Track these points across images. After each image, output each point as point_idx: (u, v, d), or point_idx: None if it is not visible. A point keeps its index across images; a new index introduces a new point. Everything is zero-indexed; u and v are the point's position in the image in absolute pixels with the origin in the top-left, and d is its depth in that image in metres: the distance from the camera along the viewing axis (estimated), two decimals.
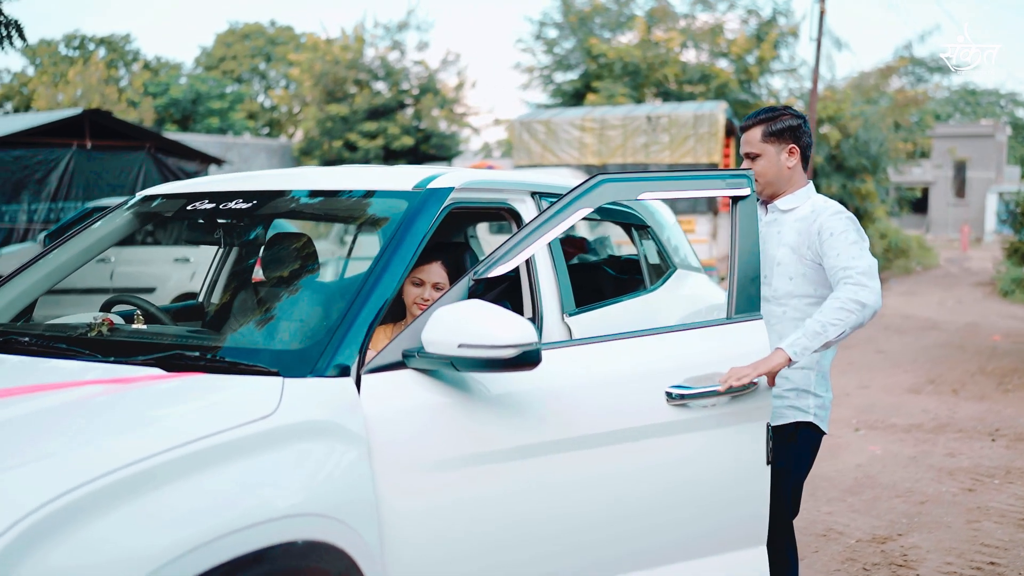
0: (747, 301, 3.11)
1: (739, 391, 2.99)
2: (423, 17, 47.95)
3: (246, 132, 39.27)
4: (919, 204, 47.30)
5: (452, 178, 3.14)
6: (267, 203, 3.23)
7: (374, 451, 2.47)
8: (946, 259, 30.02)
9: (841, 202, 15.88)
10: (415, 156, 29.41)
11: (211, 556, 1.99)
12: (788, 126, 3.36)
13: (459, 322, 2.42)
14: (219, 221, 3.32)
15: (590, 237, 6.90)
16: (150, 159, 17.65)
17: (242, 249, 4.06)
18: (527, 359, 2.40)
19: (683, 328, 3.15)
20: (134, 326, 2.94)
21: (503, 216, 3.56)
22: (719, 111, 12.56)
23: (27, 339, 2.74)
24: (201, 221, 3.40)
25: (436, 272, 3.44)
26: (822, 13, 15.83)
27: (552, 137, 13.21)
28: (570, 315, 3.49)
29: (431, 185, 3.08)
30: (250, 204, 3.19)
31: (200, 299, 4.11)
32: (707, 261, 12.30)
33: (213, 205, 3.23)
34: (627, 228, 4.44)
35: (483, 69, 70.65)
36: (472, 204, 3.28)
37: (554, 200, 3.08)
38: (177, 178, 16.97)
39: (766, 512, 3.11)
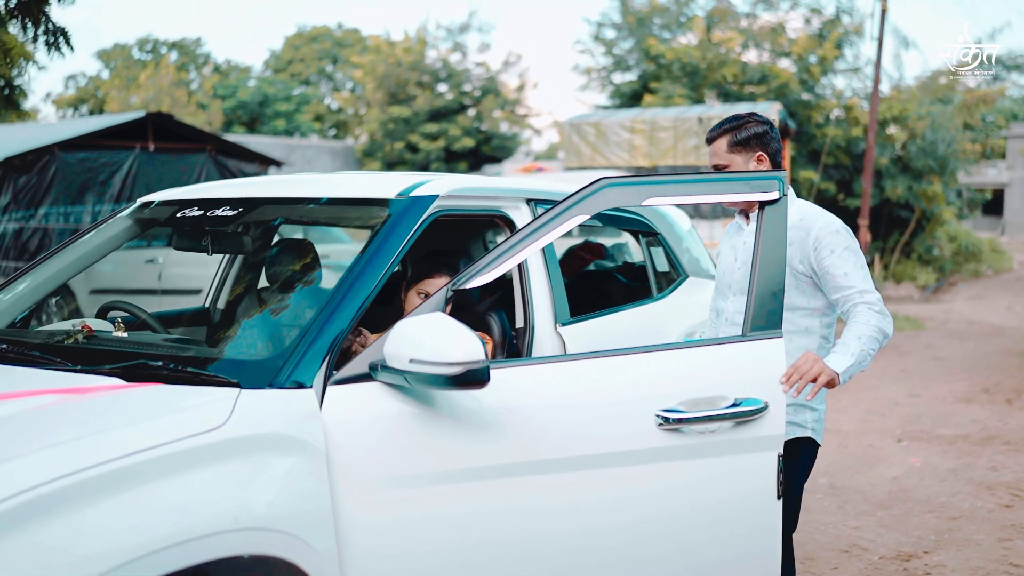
0: (766, 317, 2.84)
1: (747, 415, 2.74)
2: (485, 19, 48.09)
3: (313, 134, 39.77)
4: (993, 206, 45.94)
5: (437, 186, 3.10)
6: (253, 210, 3.22)
7: (335, 464, 2.44)
8: (1020, 262, 29.14)
9: (907, 205, 15.46)
10: (475, 157, 29.51)
11: (146, 571, 1.98)
12: (754, 133, 3.26)
13: (413, 336, 2.37)
14: (206, 228, 3.31)
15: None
16: (211, 161, 17.93)
17: (246, 256, 4.07)
18: (473, 378, 2.32)
19: (686, 345, 2.99)
20: (115, 334, 2.95)
21: (497, 224, 3.52)
22: (772, 112, 12.32)
23: (4, 346, 2.77)
24: (188, 228, 3.39)
25: (440, 285, 3.33)
26: (884, 12, 15.45)
27: (602, 139, 13.11)
28: (563, 325, 3.43)
29: (414, 193, 3.04)
30: (236, 211, 3.19)
31: (206, 305, 4.14)
32: None
33: (201, 212, 3.24)
34: (634, 235, 4.35)
35: (543, 71, 70.46)
36: (461, 212, 3.23)
37: (550, 207, 2.99)
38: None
39: (778, 552, 2.87)
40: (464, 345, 2.32)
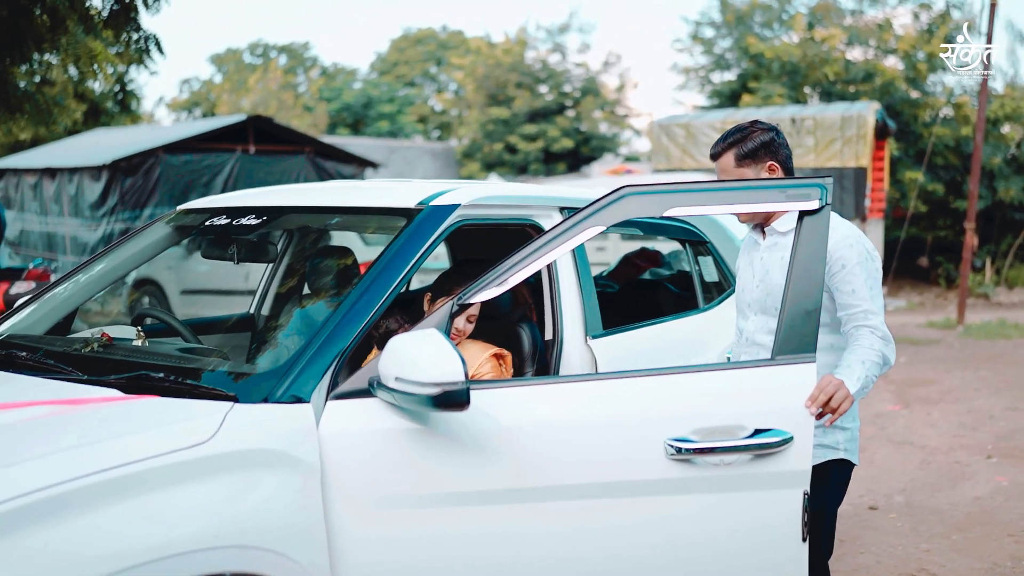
0: (798, 340, 2.58)
1: (768, 448, 2.51)
2: (585, 19, 47.88)
3: (417, 136, 40.22)
4: None
5: (460, 195, 3.04)
6: (276, 219, 3.22)
7: (330, 481, 2.41)
8: None
9: (1020, 207, 14.75)
10: (575, 158, 29.39)
11: None
12: (761, 143, 3.09)
13: (400, 353, 2.31)
14: (232, 237, 3.33)
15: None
16: (309, 163, 18.29)
17: (291, 263, 4.08)
18: (450, 399, 2.24)
19: (705, 368, 2.76)
20: (135, 343, 2.98)
21: (529, 234, 3.43)
22: (869, 112, 11.89)
23: (24, 354, 2.81)
24: (213, 236, 3.40)
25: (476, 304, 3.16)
26: (993, 5, 14.73)
27: (692, 140, 12.86)
28: (594, 338, 3.33)
29: (435, 202, 2.99)
30: (260, 220, 3.19)
31: (250, 311, 4.17)
32: None
33: (228, 221, 3.25)
34: (682, 243, 4.21)
35: (643, 71, 69.73)
36: (487, 221, 3.17)
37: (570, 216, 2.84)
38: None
39: None
40: (442, 365, 2.24)
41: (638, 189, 2.62)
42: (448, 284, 3.34)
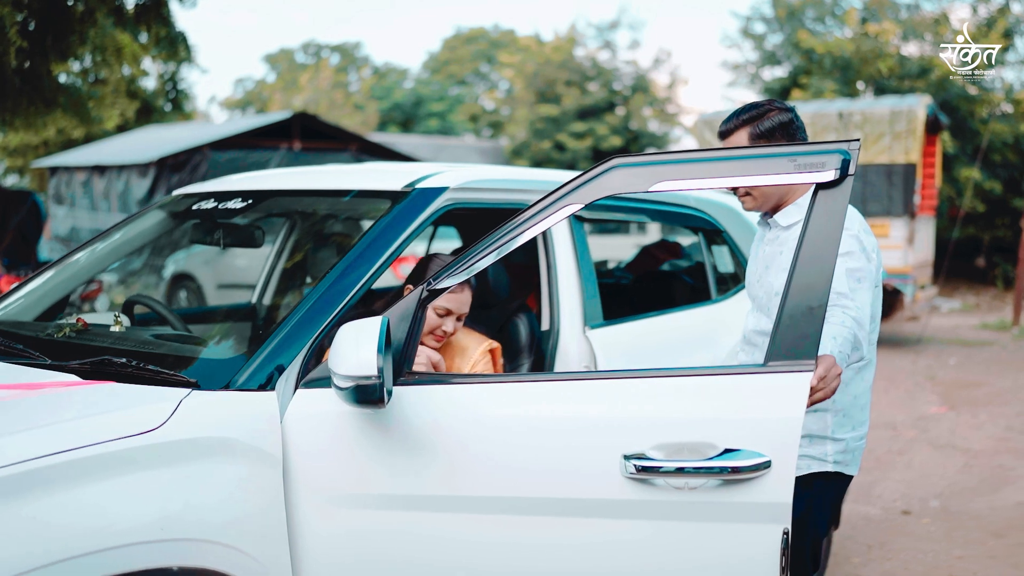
0: (796, 343, 2.12)
1: (738, 473, 2.12)
2: (635, 15, 47.50)
3: (468, 134, 40.21)
4: None
5: (448, 177, 2.92)
6: (262, 203, 3.12)
7: (293, 472, 2.30)
8: None
9: None
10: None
11: None
12: (779, 123, 2.83)
13: (336, 343, 2.15)
14: (218, 221, 3.23)
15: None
16: (354, 160, 18.31)
17: (293, 252, 3.99)
18: (364, 396, 2.09)
19: (680, 373, 2.25)
20: (112, 329, 2.89)
21: None
22: (919, 106, 11.51)
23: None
24: (198, 221, 3.31)
25: (466, 302, 2.97)
26: None
27: None
28: (593, 328, 3.19)
29: (421, 185, 2.87)
30: (245, 203, 3.09)
31: (252, 301, 4.08)
32: (901, 269, 11.34)
33: (215, 204, 3.16)
34: (695, 232, 4.03)
35: (693, 67, 68.94)
36: (478, 206, 3.03)
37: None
38: None
39: None
40: (358, 358, 2.07)
41: (626, 160, 2.28)
42: (425, 272, 3.20)
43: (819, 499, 2.88)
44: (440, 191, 2.85)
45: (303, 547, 2.29)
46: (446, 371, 2.86)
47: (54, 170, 18.59)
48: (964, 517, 5.29)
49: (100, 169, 16.97)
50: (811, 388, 2.14)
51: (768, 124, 2.83)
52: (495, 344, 3.09)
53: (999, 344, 12.03)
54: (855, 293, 2.58)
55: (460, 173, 2.96)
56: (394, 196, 2.83)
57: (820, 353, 2.30)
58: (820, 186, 2.21)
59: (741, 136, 2.85)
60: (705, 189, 2.46)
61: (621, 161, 2.30)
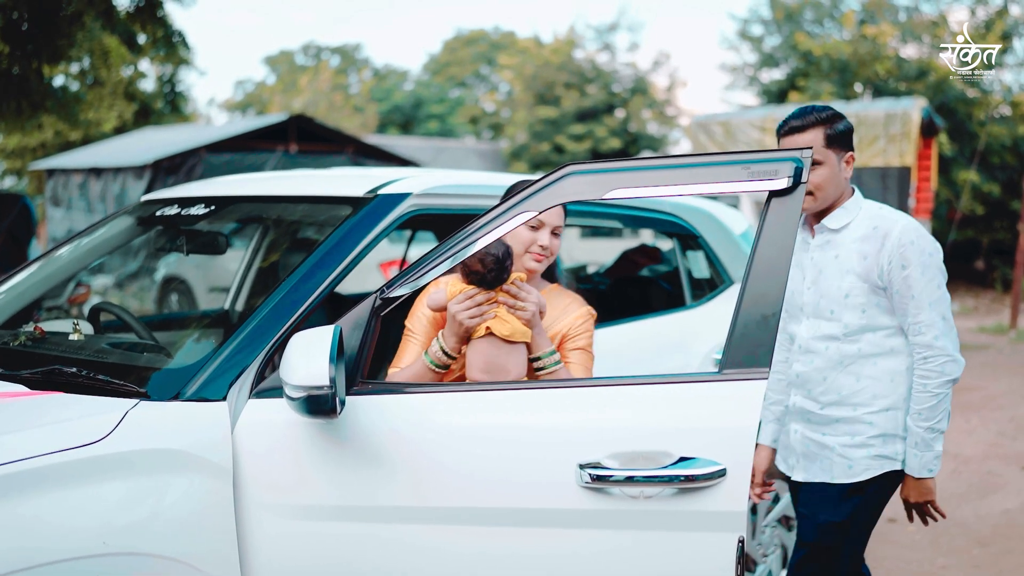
0: (749, 350, 2.12)
1: (693, 481, 2.10)
2: (634, 17, 47.55)
3: (468, 136, 40.19)
4: None
5: (410, 184, 2.89)
6: (224, 208, 3.08)
7: (243, 485, 2.26)
8: None
9: None
10: (624, 159, 29.04)
11: None
12: (848, 128, 2.83)
13: (287, 352, 2.12)
14: (182, 228, 3.19)
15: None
16: (350, 162, 18.28)
17: (267, 257, 3.95)
18: (316, 406, 2.05)
19: (636, 381, 2.23)
20: (71, 337, 2.86)
21: None
22: (914, 109, 11.47)
23: None
24: (162, 228, 3.27)
25: (557, 214, 2.72)
26: None
27: (730, 138, 12.55)
28: None
29: (384, 191, 2.84)
30: (209, 209, 3.05)
31: (226, 307, 4.05)
32: None
33: (177, 211, 3.12)
34: (669, 237, 3.99)
35: (692, 70, 68.88)
36: (442, 211, 3.00)
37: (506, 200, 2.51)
38: None
39: None
40: (308, 368, 2.04)
41: (580, 168, 2.27)
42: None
43: (880, 500, 2.89)
44: (403, 197, 2.82)
45: (254, 560, 2.25)
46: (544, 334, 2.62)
47: (51, 172, 18.57)
48: (950, 525, 5.24)
49: (96, 171, 16.94)
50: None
51: (841, 127, 2.81)
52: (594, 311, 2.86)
53: (995, 348, 11.98)
54: (933, 309, 2.75)
55: (423, 179, 2.93)
56: (356, 202, 2.80)
57: (912, 461, 2.78)
58: (773, 194, 2.20)
59: (813, 135, 2.77)
60: (658, 197, 2.42)
61: (575, 169, 2.28)
